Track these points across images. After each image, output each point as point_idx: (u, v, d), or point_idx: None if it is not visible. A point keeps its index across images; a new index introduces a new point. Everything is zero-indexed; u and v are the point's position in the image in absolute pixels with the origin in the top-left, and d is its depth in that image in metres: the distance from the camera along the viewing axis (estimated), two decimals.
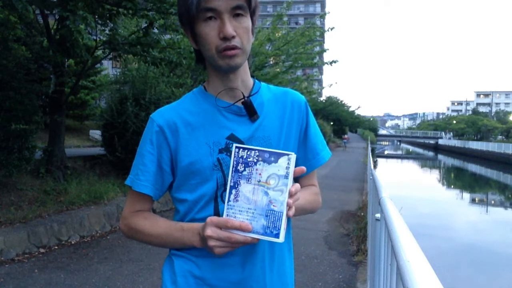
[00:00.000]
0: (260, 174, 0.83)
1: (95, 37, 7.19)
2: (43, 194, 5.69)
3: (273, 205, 0.82)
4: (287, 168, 0.82)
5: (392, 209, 1.39)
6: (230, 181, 0.84)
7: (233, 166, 0.84)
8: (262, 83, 1.07)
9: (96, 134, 13.50)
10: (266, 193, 0.83)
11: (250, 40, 0.94)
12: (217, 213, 0.96)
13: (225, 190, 0.95)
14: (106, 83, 14.54)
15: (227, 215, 0.84)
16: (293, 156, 0.82)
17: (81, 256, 4.38)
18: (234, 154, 0.84)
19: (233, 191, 0.84)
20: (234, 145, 0.85)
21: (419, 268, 0.69)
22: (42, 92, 7.35)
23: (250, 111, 0.98)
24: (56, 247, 4.64)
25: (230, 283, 0.96)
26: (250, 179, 0.83)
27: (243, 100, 0.98)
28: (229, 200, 0.84)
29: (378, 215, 2.00)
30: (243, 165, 0.84)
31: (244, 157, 0.84)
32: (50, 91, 6.78)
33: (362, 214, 6.46)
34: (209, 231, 0.83)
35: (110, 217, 5.70)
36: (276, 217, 0.82)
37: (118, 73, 10.34)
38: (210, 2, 0.87)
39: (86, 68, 7.58)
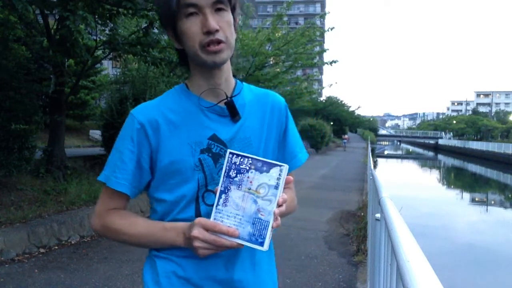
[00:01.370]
0: (251, 182, 0.84)
1: (95, 37, 7.19)
2: (43, 194, 5.69)
3: (261, 214, 0.83)
4: (278, 179, 0.83)
5: (392, 209, 1.39)
6: (221, 186, 0.85)
7: (225, 171, 0.85)
8: (244, 84, 1.07)
9: (96, 134, 13.51)
10: (255, 201, 0.84)
11: (233, 34, 0.94)
12: (199, 214, 0.95)
13: (206, 191, 0.95)
14: (106, 83, 14.54)
15: (215, 218, 0.85)
16: (285, 168, 0.84)
17: (81, 256, 4.38)
18: (228, 160, 0.85)
19: (223, 196, 0.85)
20: (228, 150, 0.86)
21: (419, 268, 0.69)
22: (42, 92, 7.36)
23: (232, 112, 0.97)
24: (56, 247, 4.64)
25: (214, 283, 0.96)
26: (240, 186, 0.84)
27: (225, 100, 0.97)
28: (218, 204, 0.85)
29: (378, 215, 2.00)
30: (235, 171, 0.85)
31: (237, 163, 0.85)
32: (50, 91, 6.78)
33: (362, 214, 6.45)
34: (196, 232, 0.84)
35: None
36: (263, 226, 0.83)
37: (118, 73, 10.34)
38: None
39: (86, 68, 7.58)
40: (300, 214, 6.14)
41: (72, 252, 4.51)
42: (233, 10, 0.94)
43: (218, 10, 0.89)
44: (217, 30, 0.88)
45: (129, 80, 8.13)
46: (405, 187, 17.42)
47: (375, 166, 20.59)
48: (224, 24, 0.89)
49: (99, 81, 14.91)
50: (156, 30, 6.88)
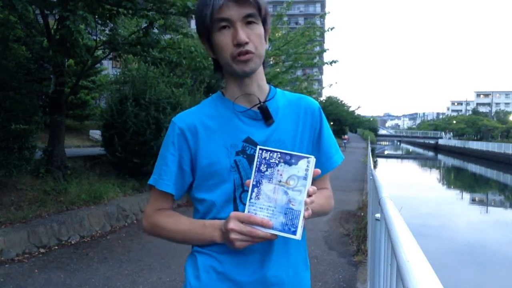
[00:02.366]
0: (281, 174, 0.89)
1: (95, 37, 7.19)
2: (43, 194, 5.69)
3: (292, 204, 0.88)
4: (306, 170, 0.88)
5: (392, 209, 1.39)
6: (253, 180, 0.90)
7: (256, 166, 0.90)
8: (278, 89, 1.12)
9: (96, 134, 13.51)
10: (285, 193, 0.88)
11: (263, 45, 1.00)
12: None
13: (243, 191, 1.01)
14: (106, 83, 14.53)
15: (248, 211, 0.89)
16: (312, 159, 0.88)
17: (81, 256, 4.38)
18: (258, 155, 0.90)
19: (255, 190, 0.89)
20: (258, 146, 0.91)
21: (419, 268, 0.69)
22: (42, 92, 7.36)
23: (265, 116, 1.03)
24: (56, 247, 4.64)
25: (251, 278, 1.00)
26: (271, 179, 0.89)
27: (259, 105, 1.03)
28: (250, 198, 0.89)
29: (378, 215, 2.00)
30: (265, 165, 0.90)
31: (267, 158, 0.90)
32: (50, 91, 6.78)
33: (362, 214, 6.46)
34: (232, 224, 0.89)
35: (110, 217, 5.70)
36: (294, 215, 0.87)
37: (118, 73, 10.34)
38: (223, 12, 0.92)
39: (86, 68, 7.58)
40: None
41: (72, 252, 4.51)
42: (263, 22, 1.00)
43: (249, 23, 0.95)
44: (246, 43, 0.94)
45: (129, 80, 8.13)
46: (405, 187, 17.43)
47: (375, 166, 20.60)
48: (254, 37, 0.96)
49: (99, 81, 14.89)
50: (156, 30, 6.88)
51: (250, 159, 1.01)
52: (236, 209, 1.00)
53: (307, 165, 0.88)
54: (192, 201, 1.10)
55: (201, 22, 0.96)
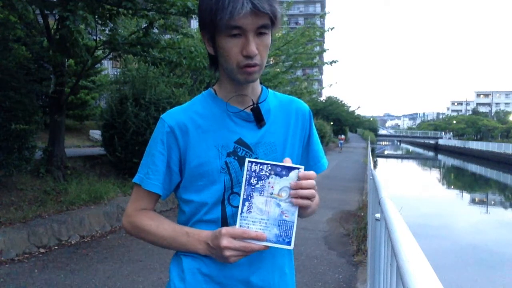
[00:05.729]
0: (272, 187, 0.88)
1: (95, 37, 7.19)
2: (43, 194, 5.69)
3: (285, 216, 0.88)
4: (297, 181, 0.88)
5: (392, 209, 1.39)
6: (243, 194, 0.88)
7: (246, 179, 0.88)
8: (270, 90, 1.11)
9: (96, 134, 13.51)
10: (278, 205, 0.88)
11: (267, 54, 0.97)
12: (224, 215, 0.98)
13: (232, 193, 0.99)
14: (106, 83, 14.55)
15: (241, 225, 0.88)
16: (302, 170, 0.88)
17: (81, 256, 4.38)
18: (247, 169, 0.88)
19: (246, 203, 0.88)
20: (247, 159, 0.89)
21: (419, 268, 0.69)
22: (42, 92, 7.37)
23: (258, 118, 1.01)
24: (56, 247, 4.64)
25: (237, 281, 0.99)
26: (262, 192, 0.88)
27: (252, 107, 1.01)
28: (242, 212, 0.88)
29: (378, 215, 2.00)
30: (255, 178, 0.88)
31: (257, 171, 0.88)
32: (50, 91, 6.78)
33: (362, 214, 6.46)
34: (226, 242, 0.87)
35: (110, 217, 5.70)
36: (288, 226, 0.88)
37: (118, 73, 10.34)
38: (238, 20, 0.88)
39: (86, 68, 7.57)
40: None
41: (72, 252, 4.50)
42: (273, 29, 0.96)
43: (260, 33, 0.92)
44: (255, 54, 0.91)
45: (129, 80, 8.14)
46: (405, 187, 17.42)
47: (375, 166, 20.59)
48: (262, 48, 0.92)
49: (99, 81, 14.91)
50: (156, 30, 6.88)
51: (241, 161, 0.98)
52: (224, 210, 0.98)
53: (297, 176, 0.88)
54: (178, 202, 1.07)
55: (211, 23, 0.90)
